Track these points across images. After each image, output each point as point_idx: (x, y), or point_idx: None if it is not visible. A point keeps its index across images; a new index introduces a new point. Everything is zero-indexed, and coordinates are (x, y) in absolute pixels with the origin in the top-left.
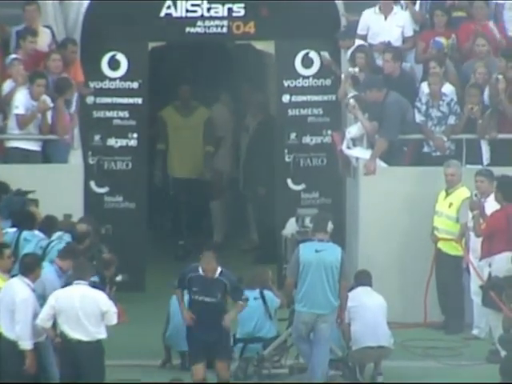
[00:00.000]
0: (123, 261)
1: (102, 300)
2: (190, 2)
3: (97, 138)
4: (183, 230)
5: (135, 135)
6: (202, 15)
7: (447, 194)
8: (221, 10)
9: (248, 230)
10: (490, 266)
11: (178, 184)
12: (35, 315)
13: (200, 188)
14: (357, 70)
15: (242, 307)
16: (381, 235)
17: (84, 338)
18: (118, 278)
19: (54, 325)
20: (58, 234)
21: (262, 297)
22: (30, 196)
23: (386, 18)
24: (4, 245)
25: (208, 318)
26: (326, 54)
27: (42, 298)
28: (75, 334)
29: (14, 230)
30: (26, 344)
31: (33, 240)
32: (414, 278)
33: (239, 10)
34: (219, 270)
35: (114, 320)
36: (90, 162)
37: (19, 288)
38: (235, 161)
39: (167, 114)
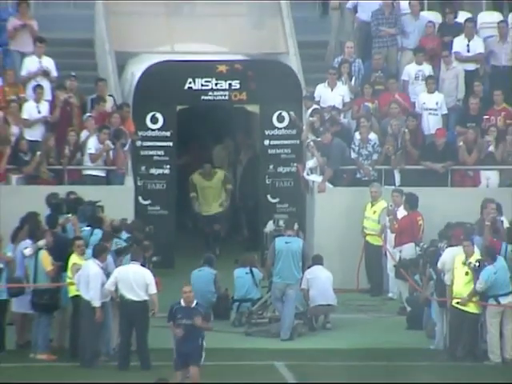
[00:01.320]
0: (159, 247)
1: (147, 275)
2: (203, 80)
3: (143, 168)
4: (210, 241)
5: (168, 166)
6: (212, 88)
7: (372, 205)
8: (224, 85)
9: (241, 228)
10: (400, 252)
11: (205, 218)
12: (102, 284)
13: (218, 220)
14: (315, 118)
15: (210, 328)
16: (329, 232)
17: (135, 299)
18: (154, 259)
19: (116, 290)
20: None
21: (251, 272)
22: (98, 204)
23: (332, 90)
24: (77, 237)
25: (188, 335)
26: (292, 113)
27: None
28: (130, 296)
29: (88, 228)
30: (97, 303)
31: (100, 235)
32: (350, 260)
33: (236, 84)
34: (195, 301)
35: (154, 290)
36: (139, 184)
37: (92, 266)
38: (233, 184)
39: (196, 179)
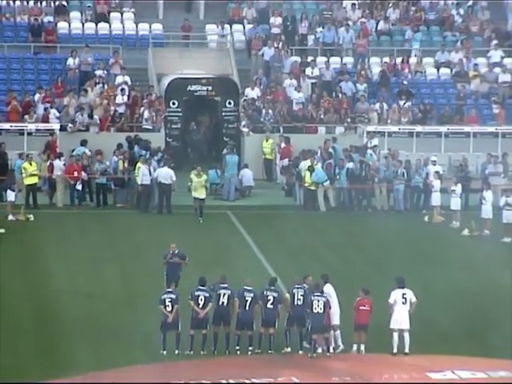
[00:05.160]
0: (174, 158)
1: (171, 171)
2: (196, 86)
3: (168, 125)
4: (197, 209)
5: (179, 125)
6: (199, 89)
7: (266, 141)
8: (205, 88)
9: (212, 152)
10: (282, 162)
11: (194, 198)
12: (147, 175)
13: (200, 201)
14: (244, 103)
15: (185, 264)
16: (250, 153)
17: (166, 182)
18: (172, 165)
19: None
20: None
21: (216, 171)
22: (149, 141)
23: (252, 90)
24: (144, 156)
25: (174, 269)
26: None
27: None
28: (163, 181)
29: (144, 152)
30: (147, 183)
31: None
32: (259, 165)
33: (210, 88)
34: (177, 250)
35: (174, 178)
36: (166, 131)
37: (144, 168)
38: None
39: (192, 176)
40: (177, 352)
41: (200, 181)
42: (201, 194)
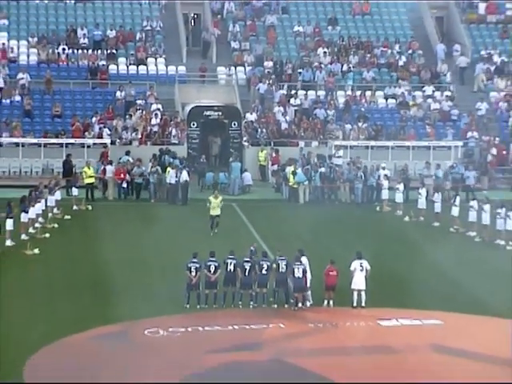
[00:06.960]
0: (194, 165)
1: (187, 173)
2: (210, 111)
3: (189, 140)
4: (212, 225)
5: (198, 140)
6: (212, 114)
7: (262, 151)
8: (216, 113)
9: (222, 161)
10: (273, 167)
11: (210, 216)
12: (173, 177)
13: (216, 217)
14: (246, 124)
15: None
16: (249, 161)
17: (187, 179)
18: (192, 169)
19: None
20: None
21: (224, 174)
22: (174, 151)
23: (251, 114)
24: (174, 162)
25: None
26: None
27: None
28: (185, 179)
29: (172, 159)
30: (173, 181)
31: (176, 161)
32: (256, 169)
33: (220, 113)
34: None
35: (187, 178)
36: (188, 145)
37: (172, 172)
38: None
39: (210, 198)
40: (198, 307)
41: (217, 201)
42: (217, 211)
